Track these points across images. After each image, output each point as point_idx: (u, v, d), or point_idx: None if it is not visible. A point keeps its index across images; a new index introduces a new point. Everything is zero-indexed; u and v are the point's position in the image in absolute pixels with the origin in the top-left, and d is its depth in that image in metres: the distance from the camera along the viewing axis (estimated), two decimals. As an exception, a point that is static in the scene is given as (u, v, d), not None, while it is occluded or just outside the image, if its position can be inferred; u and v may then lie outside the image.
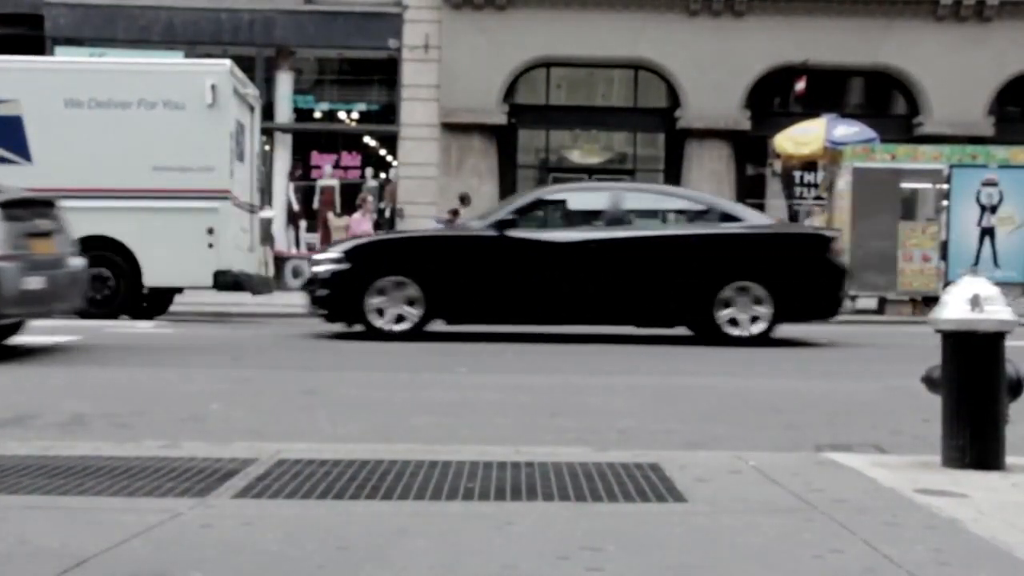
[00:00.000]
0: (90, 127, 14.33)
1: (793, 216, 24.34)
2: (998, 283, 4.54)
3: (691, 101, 23.13)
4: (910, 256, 16.85)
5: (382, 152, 25.17)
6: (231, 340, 10.93)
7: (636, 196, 12.62)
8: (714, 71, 22.91)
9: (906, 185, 17.25)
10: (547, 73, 24.11)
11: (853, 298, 17.30)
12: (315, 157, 24.33)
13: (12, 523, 3.33)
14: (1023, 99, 24.12)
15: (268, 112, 22.26)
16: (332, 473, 4.14)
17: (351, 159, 24.45)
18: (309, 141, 24.50)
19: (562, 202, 12.51)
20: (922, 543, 3.18)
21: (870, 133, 18.57)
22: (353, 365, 9.26)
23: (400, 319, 11.24)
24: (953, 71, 22.95)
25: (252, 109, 16.29)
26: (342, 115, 24.51)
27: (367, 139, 25.09)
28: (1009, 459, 4.29)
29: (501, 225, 11.49)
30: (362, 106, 24.58)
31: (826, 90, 23.21)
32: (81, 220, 14.05)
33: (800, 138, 18.83)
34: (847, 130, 18.53)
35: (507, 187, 23.32)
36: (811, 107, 21.41)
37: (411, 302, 11.23)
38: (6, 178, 14.43)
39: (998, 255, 16.85)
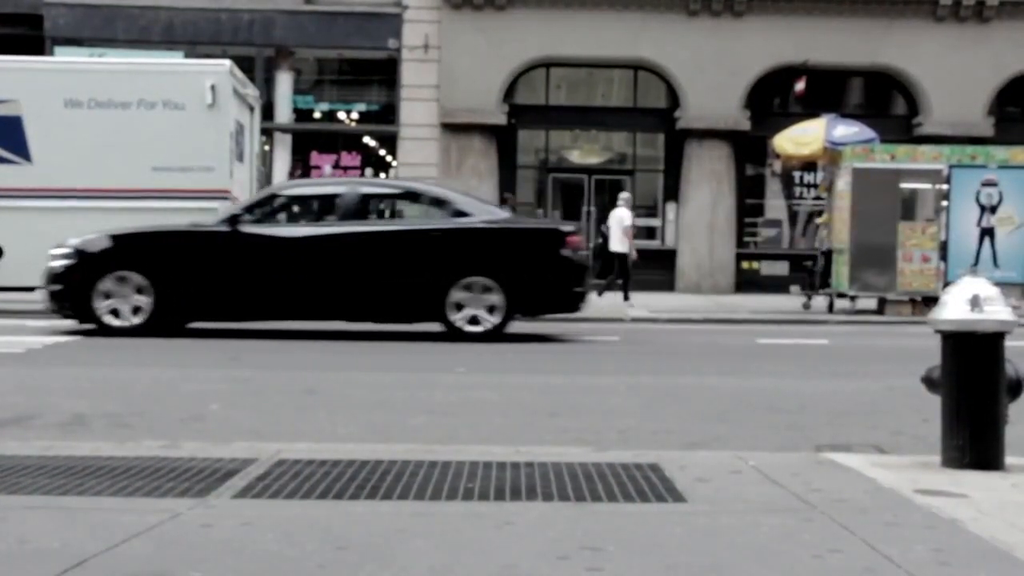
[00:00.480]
0: (90, 127, 14.32)
1: (793, 216, 24.34)
2: (998, 283, 4.54)
3: (691, 101, 23.12)
4: (910, 256, 16.82)
5: (382, 152, 25.15)
6: (231, 339, 10.92)
7: (371, 191, 12.43)
8: (714, 71, 22.89)
9: (906, 185, 17.23)
10: (547, 73, 24.10)
11: (853, 298, 17.29)
12: (315, 157, 24.31)
13: (12, 523, 3.33)
14: (1023, 99, 24.11)
15: (268, 112, 22.24)
16: (332, 473, 4.14)
17: (351, 159, 24.42)
18: (309, 141, 24.48)
19: (298, 198, 12.40)
20: (922, 543, 3.18)
21: (870, 133, 18.53)
22: (352, 365, 9.26)
23: (131, 314, 11.13)
24: (953, 71, 22.94)
25: (252, 109, 16.29)
26: (342, 115, 24.50)
27: (367, 139, 25.07)
28: (1009, 459, 4.29)
29: (233, 221, 11.40)
30: (362, 106, 24.57)
31: (826, 90, 23.19)
32: (81, 220, 14.11)
33: (800, 138, 18.80)
34: (847, 130, 18.49)
35: (507, 187, 23.30)
36: (811, 107, 21.38)
37: (142, 298, 11.15)
38: (6, 178, 14.48)
39: (998, 255, 16.82)
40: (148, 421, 5.99)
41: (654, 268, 19.97)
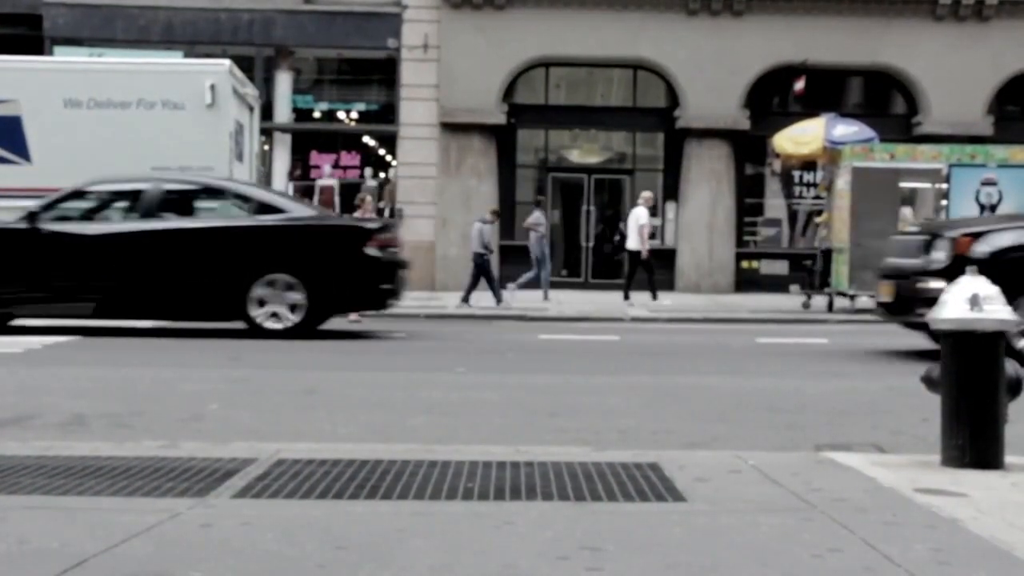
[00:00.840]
0: (89, 127, 14.32)
1: (792, 216, 24.32)
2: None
3: (690, 101, 23.12)
4: (909, 256, 16.81)
5: (381, 152, 25.15)
6: (231, 339, 10.92)
7: (173, 188, 12.17)
8: (713, 71, 22.88)
9: (905, 184, 17.24)
10: (546, 73, 24.08)
11: (852, 297, 17.29)
12: (314, 157, 24.31)
13: (12, 523, 3.33)
14: (1022, 98, 24.10)
15: (267, 112, 22.24)
16: (332, 473, 4.14)
17: (350, 159, 24.42)
18: (308, 141, 24.47)
19: (101, 195, 12.18)
20: (922, 542, 3.18)
21: (869, 132, 18.53)
22: (352, 365, 9.26)
23: None
24: (952, 71, 22.93)
25: (251, 109, 16.29)
26: (341, 115, 24.49)
27: (366, 139, 25.06)
28: (1008, 458, 4.29)
29: (32, 218, 11.27)
30: (361, 106, 24.56)
31: (825, 90, 23.18)
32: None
33: (799, 138, 18.80)
34: (846, 129, 18.49)
35: (506, 187, 23.31)
36: (810, 107, 21.37)
37: None
38: (5, 178, 14.48)
39: (997, 255, 16.80)
40: (147, 421, 5.99)
41: (654, 267, 19.98)
